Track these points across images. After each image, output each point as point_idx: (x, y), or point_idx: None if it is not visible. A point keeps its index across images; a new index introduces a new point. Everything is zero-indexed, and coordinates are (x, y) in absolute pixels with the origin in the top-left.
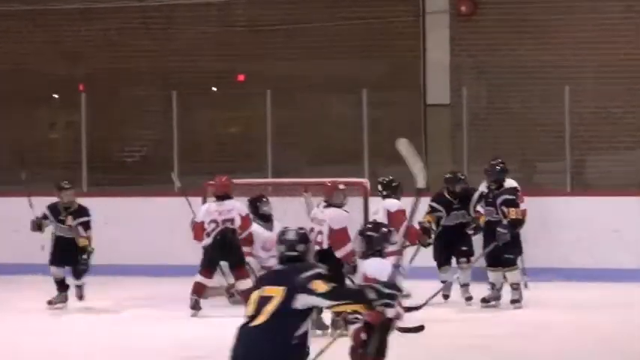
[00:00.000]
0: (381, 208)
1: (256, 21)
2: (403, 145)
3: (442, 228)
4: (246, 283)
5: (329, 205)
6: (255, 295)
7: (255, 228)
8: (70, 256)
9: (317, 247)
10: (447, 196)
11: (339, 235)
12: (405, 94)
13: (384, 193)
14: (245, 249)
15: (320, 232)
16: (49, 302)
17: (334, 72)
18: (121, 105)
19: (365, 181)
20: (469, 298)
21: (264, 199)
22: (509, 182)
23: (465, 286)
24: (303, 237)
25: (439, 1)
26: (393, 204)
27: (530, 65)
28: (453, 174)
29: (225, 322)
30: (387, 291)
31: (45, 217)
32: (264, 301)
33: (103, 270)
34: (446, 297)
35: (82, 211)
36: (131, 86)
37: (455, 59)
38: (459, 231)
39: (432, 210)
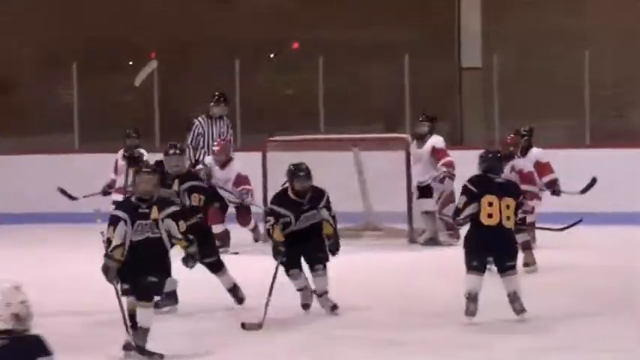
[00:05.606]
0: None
1: None
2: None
3: None
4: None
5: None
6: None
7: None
8: None
9: None
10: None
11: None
12: (441, 58)
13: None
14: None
15: None
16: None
17: (376, 39)
18: (189, 72)
19: (406, 136)
20: None
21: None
22: None
23: None
24: None
25: None
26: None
27: (553, 30)
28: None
29: None
30: None
31: None
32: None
33: None
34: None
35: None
36: (197, 55)
37: (486, 26)
38: None
39: None
